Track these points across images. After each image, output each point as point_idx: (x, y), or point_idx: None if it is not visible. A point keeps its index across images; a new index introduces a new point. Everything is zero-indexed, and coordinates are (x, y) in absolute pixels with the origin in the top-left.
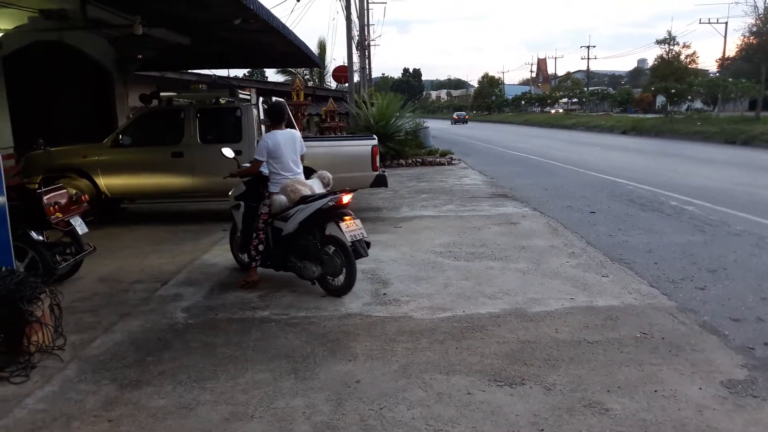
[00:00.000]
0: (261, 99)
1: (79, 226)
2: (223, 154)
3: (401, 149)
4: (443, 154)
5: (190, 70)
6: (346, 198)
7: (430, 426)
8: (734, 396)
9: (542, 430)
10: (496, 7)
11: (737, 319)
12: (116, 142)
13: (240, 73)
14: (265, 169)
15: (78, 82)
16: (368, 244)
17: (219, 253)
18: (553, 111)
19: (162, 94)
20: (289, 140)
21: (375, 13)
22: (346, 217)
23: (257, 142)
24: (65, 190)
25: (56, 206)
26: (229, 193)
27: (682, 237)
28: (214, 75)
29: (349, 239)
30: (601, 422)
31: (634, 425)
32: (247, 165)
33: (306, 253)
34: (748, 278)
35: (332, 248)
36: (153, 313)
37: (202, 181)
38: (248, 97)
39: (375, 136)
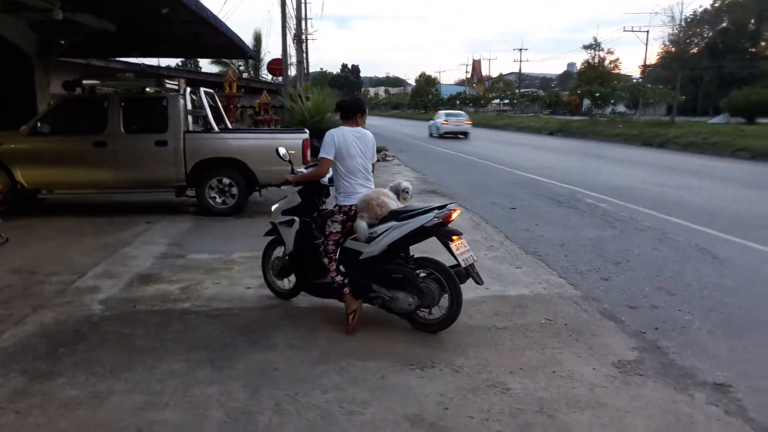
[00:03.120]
0: (189, 89)
1: None
2: (279, 155)
3: None
4: (378, 151)
5: (118, 58)
6: (456, 213)
7: (343, 408)
8: (623, 375)
9: (447, 408)
10: (435, 7)
11: (634, 306)
12: (34, 129)
13: (173, 62)
14: (323, 178)
15: None
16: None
17: (140, 246)
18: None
19: (85, 81)
20: (360, 140)
21: (313, 6)
22: (455, 237)
23: (183, 133)
24: None
25: None
26: (273, 207)
27: (594, 232)
28: (143, 64)
29: (462, 264)
30: (501, 401)
31: (532, 403)
32: (302, 171)
33: (400, 280)
34: (647, 270)
35: (423, 273)
36: (68, 305)
37: (125, 172)
38: (176, 87)
39: (306, 130)
